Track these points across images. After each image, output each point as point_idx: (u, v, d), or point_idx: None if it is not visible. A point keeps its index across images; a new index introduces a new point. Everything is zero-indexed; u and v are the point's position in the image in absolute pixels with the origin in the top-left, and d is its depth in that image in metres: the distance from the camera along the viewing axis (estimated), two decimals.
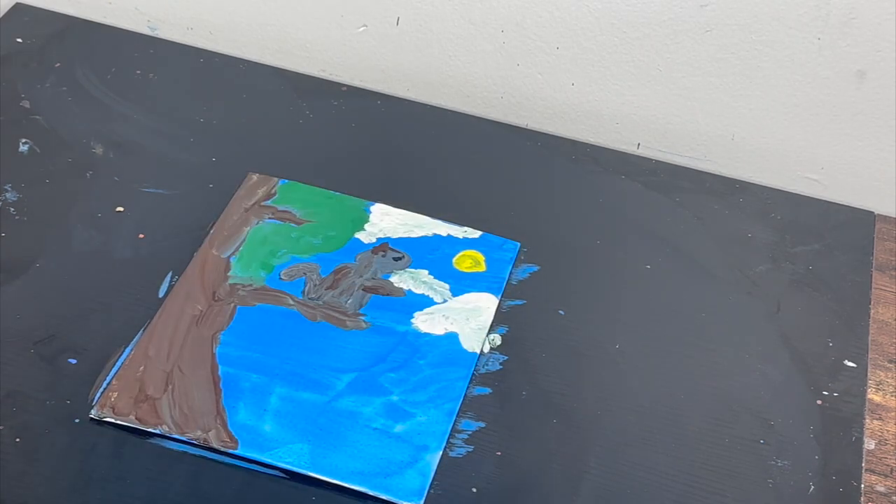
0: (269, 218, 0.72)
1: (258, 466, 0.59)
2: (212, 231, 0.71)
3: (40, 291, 0.66)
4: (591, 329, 0.68)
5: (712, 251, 0.73)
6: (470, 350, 0.65)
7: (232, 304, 0.66)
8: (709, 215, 0.76)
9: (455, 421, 0.61)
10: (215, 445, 0.59)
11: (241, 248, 0.70)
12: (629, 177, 0.78)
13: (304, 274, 0.68)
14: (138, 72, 0.83)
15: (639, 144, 0.88)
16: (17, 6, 0.88)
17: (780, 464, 0.61)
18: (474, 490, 0.59)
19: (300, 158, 0.77)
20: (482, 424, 0.62)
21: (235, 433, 0.59)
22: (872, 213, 0.77)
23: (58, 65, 0.83)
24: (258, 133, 0.79)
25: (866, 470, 0.62)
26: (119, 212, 0.72)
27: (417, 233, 0.72)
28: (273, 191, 0.74)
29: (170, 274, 0.68)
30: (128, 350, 0.63)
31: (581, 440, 0.61)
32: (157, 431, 0.59)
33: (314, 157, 0.78)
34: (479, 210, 0.74)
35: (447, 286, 0.69)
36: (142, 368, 0.62)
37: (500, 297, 0.68)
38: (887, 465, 0.62)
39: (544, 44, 0.83)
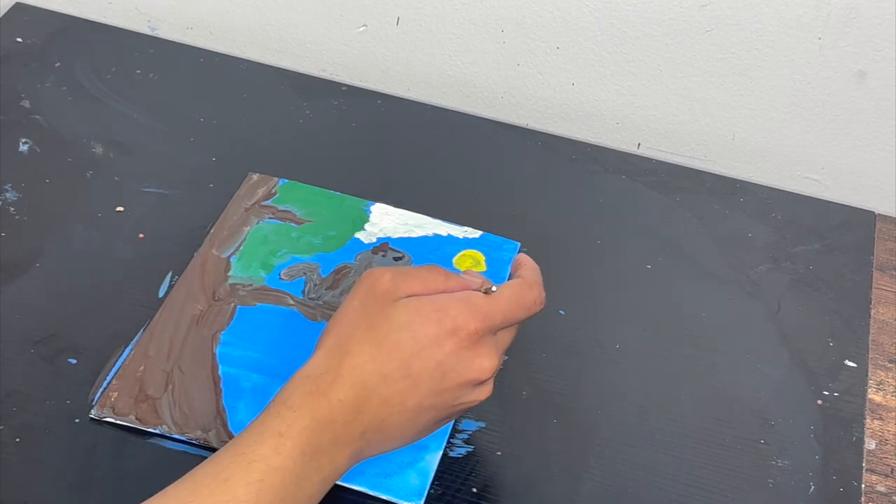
0: (270, 218, 0.72)
1: None
2: (212, 231, 0.71)
3: (40, 291, 0.66)
4: (591, 329, 0.68)
5: (712, 251, 0.73)
6: None
7: (232, 304, 0.66)
8: (709, 215, 0.76)
9: (455, 421, 0.61)
10: (215, 445, 0.58)
11: (241, 248, 0.70)
12: (629, 177, 0.78)
13: (304, 274, 0.68)
14: (138, 72, 0.83)
15: (639, 144, 0.88)
16: (17, 6, 0.88)
17: (780, 464, 0.61)
18: (474, 490, 0.59)
19: (300, 158, 0.77)
20: (482, 424, 0.62)
21: (236, 433, 0.59)
22: (872, 213, 0.77)
23: (58, 65, 0.83)
24: (258, 133, 0.79)
25: (867, 470, 0.62)
26: (119, 212, 0.72)
27: (417, 233, 0.72)
28: (273, 190, 0.74)
29: (170, 274, 0.68)
30: (128, 350, 0.63)
31: (581, 440, 0.61)
32: (157, 431, 0.59)
33: (314, 157, 0.78)
34: (479, 210, 0.74)
35: None
36: (142, 368, 0.62)
37: None
38: (888, 465, 0.62)
39: (544, 44, 0.83)
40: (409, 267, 0.53)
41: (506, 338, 0.55)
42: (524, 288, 0.54)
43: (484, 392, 0.53)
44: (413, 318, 0.51)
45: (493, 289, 0.53)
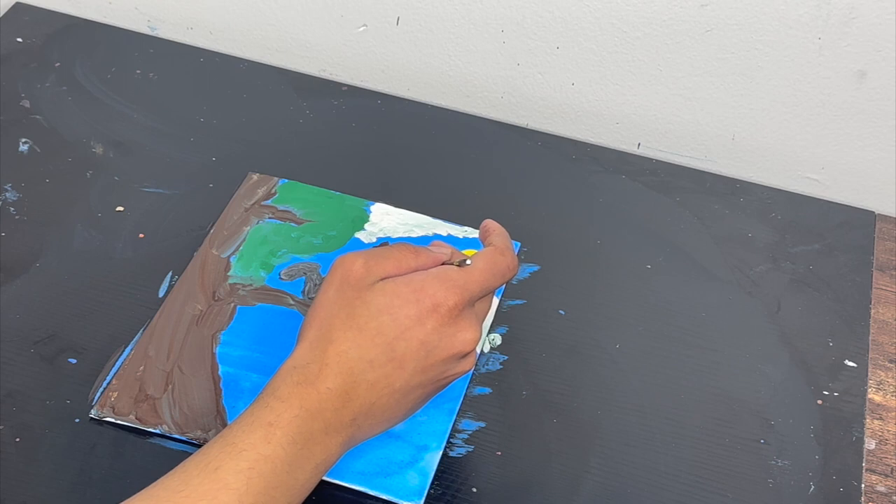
0: (270, 217, 0.72)
1: None
2: (212, 231, 0.71)
3: (40, 291, 0.66)
4: (591, 329, 0.68)
5: (712, 251, 0.73)
6: None
7: (232, 304, 0.66)
8: (709, 215, 0.76)
9: (455, 420, 0.61)
10: None
11: (241, 248, 0.70)
12: (629, 177, 0.78)
13: (305, 274, 0.68)
14: (138, 72, 0.83)
15: (639, 144, 0.88)
16: (17, 6, 0.88)
17: (780, 464, 0.61)
18: (474, 490, 0.59)
19: (300, 158, 0.77)
20: (482, 424, 0.62)
21: None
22: (872, 212, 0.77)
23: (58, 65, 0.83)
24: (258, 133, 0.79)
25: (867, 470, 0.62)
26: (119, 212, 0.72)
27: (417, 232, 0.72)
28: (273, 190, 0.74)
29: (170, 274, 0.68)
30: (128, 350, 0.63)
31: (581, 440, 0.61)
32: (157, 431, 0.59)
33: (314, 157, 0.78)
34: (479, 210, 0.74)
35: None
36: (142, 368, 0.62)
37: (500, 297, 0.68)
38: (888, 465, 0.62)
39: (544, 44, 0.83)
40: (379, 249, 0.54)
41: (483, 307, 0.55)
42: (497, 256, 0.55)
43: (468, 363, 0.54)
44: (391, 300, 0.51)
45: (468, 262, 0.54)
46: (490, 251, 0.55)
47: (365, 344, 0.50)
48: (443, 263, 0.54)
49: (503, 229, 0.58)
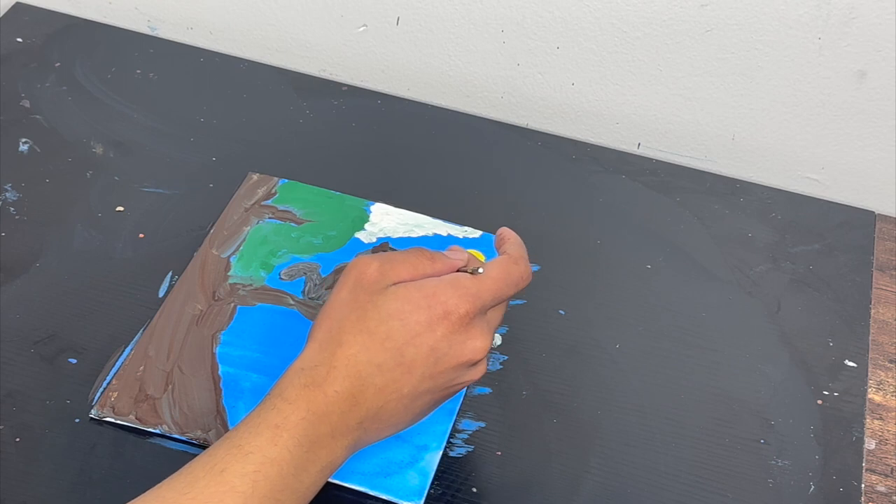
0: (270, 217, 0.72)
1: None
2: (212, 231, 0.71)
3: (40, 291, 0.66)
4: (590, 329, 0.68)
5: (712, 251, 0.73)
6: None
7: (232, 304, 0.66)
8: (709, 215, 0.76)
9: (455, 420, 0.61)
10: None
11: (241, 248, 0.70)
12: (629, 177, 0.78)
13: (304, 274, 0.68)
14: (138, 72, 0.83)
15: (639, 144, 0.88)
16: (17, 6, 0.88)
17: (780, 464, 0.61)
18: (474, 490, 0.59)
19: (300, 158, 0.77)
20: (482, 424, 0.62)
21: None
22: (872, 212, 0.77)
23: (58, 65, 0.83)
24: (258, 133, 0.79)
25: (867, 470, 0.62)
26: (119, 212, 0.72)
27: (417, 233, 0.72)
28: (273, 190, 0.74)
29: (170, 274, 0.68)
30: (128, 350, 0.63)
31: (581, 440, 0.61)
32: (157, 431, 0.59)
33: (314, 157, 0.78)
34: (479, 210, 0.74)
35: None
36: (142, 368, 0.62)
37: None
38: (888, 465, 0.62)
39: (544, 44, 0.83)
40: (395, 252, 0.53)
41: (496, 315, 0.55)
42: (510, 265, 0.54)
43: (478, 372, 0.53)
44: (403, 305, 0.50)
45: (480, 270, 0.53)
46: (504, 259, 0.55)
47: (374, 348, 0.50)
48: (458, 270, 0.54)
49: (518, 238, 0.57)
